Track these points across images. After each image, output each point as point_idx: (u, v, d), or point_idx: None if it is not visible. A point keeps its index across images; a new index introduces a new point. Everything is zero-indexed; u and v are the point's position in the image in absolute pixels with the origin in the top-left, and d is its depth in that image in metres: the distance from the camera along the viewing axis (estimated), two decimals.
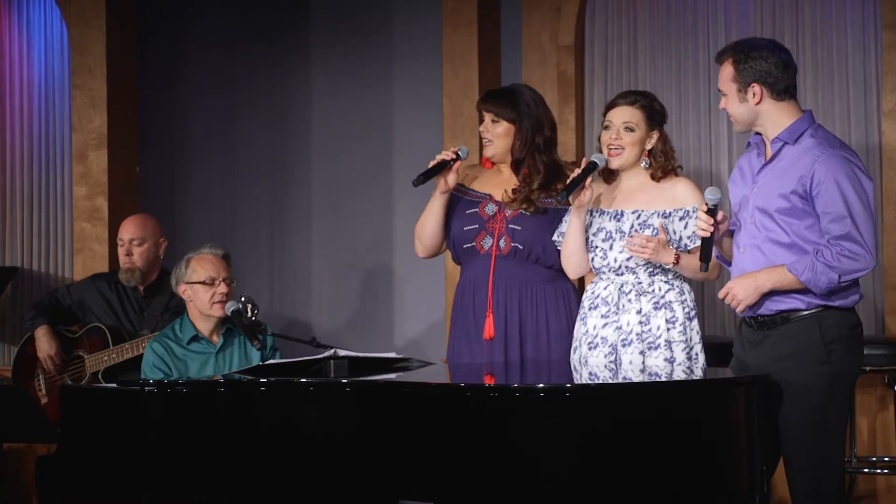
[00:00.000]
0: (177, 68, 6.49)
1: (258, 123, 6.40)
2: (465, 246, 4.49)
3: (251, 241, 6.37)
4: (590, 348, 4.19)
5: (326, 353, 4.25)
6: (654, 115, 4.20)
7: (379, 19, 6.18)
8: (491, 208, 4.47)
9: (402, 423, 3.68)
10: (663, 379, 3.89)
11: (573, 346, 4.29)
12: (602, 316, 4.19)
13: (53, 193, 6.38)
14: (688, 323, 4.15)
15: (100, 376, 5.32)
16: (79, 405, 4.19)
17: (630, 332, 4.14)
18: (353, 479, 3.73)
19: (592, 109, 5.72)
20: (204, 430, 3.91)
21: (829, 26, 5.37)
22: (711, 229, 3.84)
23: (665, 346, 4.12)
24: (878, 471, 5.21)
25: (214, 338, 4.88)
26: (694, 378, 3.95)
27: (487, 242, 4.45)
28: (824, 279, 3.71)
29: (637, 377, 3.95)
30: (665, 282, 4.16)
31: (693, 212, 4.10)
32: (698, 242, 4.11)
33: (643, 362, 4.10)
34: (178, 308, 5.20)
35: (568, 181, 4.16)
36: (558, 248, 4.34)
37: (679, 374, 3.98)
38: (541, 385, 3.60)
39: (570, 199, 4.16)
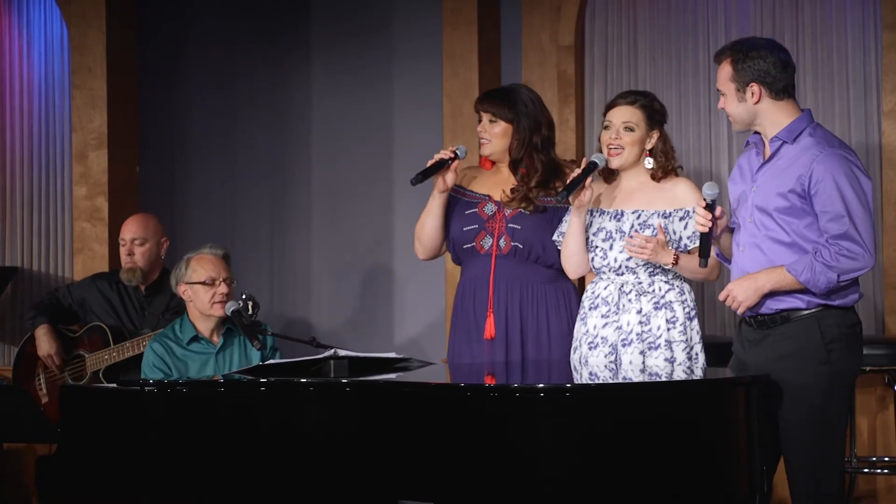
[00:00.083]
0: (177, 68, 6.49)
1: (258, 123, 6.40)
2: (465, 246, 4.49)
3: (251, 241, 6.37)
4: (590, 348, 4.19)
5: (326, 353, 4.24)
6: (654, 115, 4.20)
7: (379, 19, 6.18)
8: (490, 208, 4.47)
9: (402, 423, 3.68)
10: (663, 379, 3.89)
11: (573, 345, 4.29)
12: (602, 316, 4.19)
13: (53, 193, 6.38)
14: (688, 323, 4.15)
15: (100, 375, 5.32)
16: (79, 405, 4.19)
17: (630, 332, 4.14)
18: (353, 480, 3.73)
19: (592, 109, 5.72)
20: (204, 430, 3.91)
21: (829, 26, 5.37)
22: (710, 224, 3.84)
23: (665, 346, 4.12)
24: (878, 471, 5.21)
25: (214, 338, 4.88)
26: (694, 378, 3.95)
27: (487, 242, 4.45)
28: (823, 279, 3.71)
29: (637, 377, 3.95)
30: (665, 282, 4.16)
31: (693, 212, 4.10)
32: (699, 243, 4.11)
33: (643, 362, 4.10)
34: (178, 308, 5.20)
35: (568, 181, 4.16)
36: (558, 247, 4.34)
37: (679, 374, 3.98)
38: (541, 385, 3.60)
39: (571, 198, 4.16)
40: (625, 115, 4.19)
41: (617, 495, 3.50)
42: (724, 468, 3.61)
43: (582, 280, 4.63)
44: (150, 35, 6.44)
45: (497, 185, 4.49)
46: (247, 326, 4.66)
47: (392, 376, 4.06)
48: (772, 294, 3.80)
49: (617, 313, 4.17)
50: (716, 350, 4.26)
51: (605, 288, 4.21)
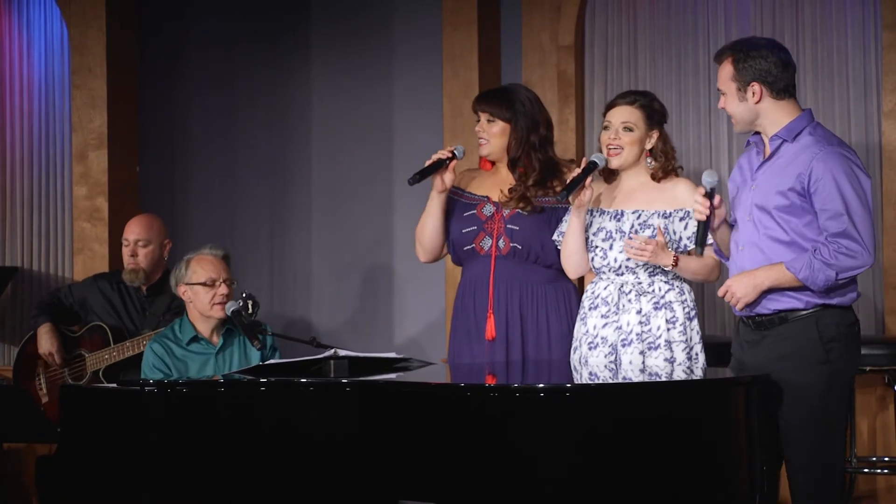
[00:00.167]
0: (177, 68, 6.49)
1: (258, 123, 6.40)
2: (464, 248, 4.49)
3: (251, 241, 6.37)
4: (590, 348, 4.19)
5: (326, 353, 4.24)
6: (654, 115, 4.20)
7: (379, 19, 6.18)
8: (489, 209, 4.47)
9: (402, 423, 3.68)
10: (663, 379, 3.89)
11: (573, 346, 4.29)
12: (602, 316, 4.19)
13: (53, 193, 6.38)
14: (688, 323, 4.15)
15: (101, 375, 5.32)
16: (79, 405, 4.18)
17: (630, 332, 4.14)
18: (353, 480, 3.73)
19: (592, 109, 5.72)
20: (204, 430, 3.91)
21: (829, 26, 5.37)
22: (707, 212, 3.84)
23: (665, 346, 4.12)
24: (878, 471, 5.21)
25: (214, 338, 4.88)
26: (694, 378, 3.95)
27: (487, 243, 4.45)
28: (822, 277, 3.71)
29: (637, 377, 3.95)
30: (665, 282, 4.16)
31: (693, 212, 4.09)
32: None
33: (643, 362, 4.10)
34: (179, 309, 5.21)
35: (568, 181, 4.16)
36: (558, 247, 4.34)
37: (679, 374, 3.98)
38: (541, 385, 3.60)
39: (570, 198, 4.16)
40: (624, 115, 4.19)
41: (617, 495, 3.50)
42: (724, 468, 3.61)
43: (581, 280, 4.63)
44: (150, 35, 6.44)
45: (496, 185, 4.49)
46: (247, 326, 4.66)
47: (392, 376, 4.06)
48: (770, 292, 3.80)
49: (617, 313, 4.17)
50: (716, 350, 4.26)
51: (605, 288, 4.21)
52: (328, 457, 3.76)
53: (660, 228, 4.12)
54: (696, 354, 4.15)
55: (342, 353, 4.26)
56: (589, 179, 4.16)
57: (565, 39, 5.71)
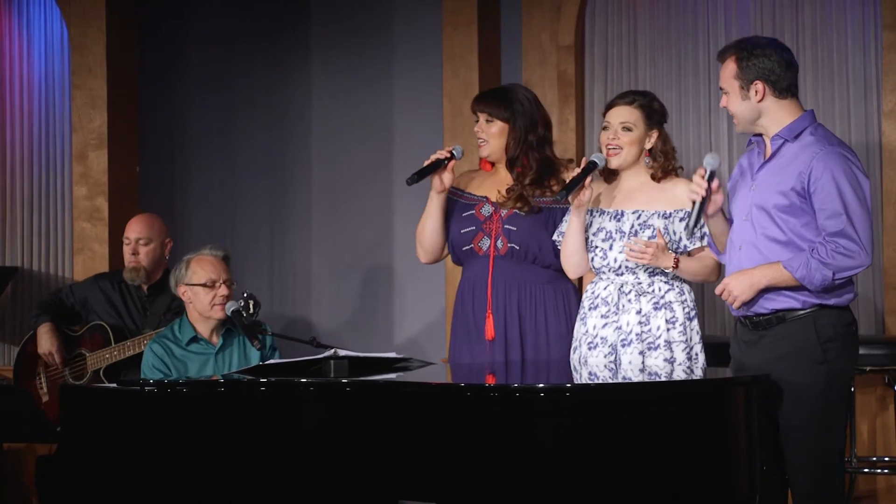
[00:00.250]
0: (177, 68, 6.49)
1: (258, 123, 6.40)
2: (463, 248, 4.49)
3: (251, 241, 6.37)
4: (589, 348, 4.19)
5: (326, 353, 4.24)
6: (653, 115, 4.20)
7: (379, 19, 6.18)
8: (487, 209, 4.47)
9: (402, 423, 3.68)
10: (663, 379, 3.89)
11: (573, 346, 4.29)
12: (602, 316, 4.19)
13: (53, 193, 6.39)
14: (688, 323, 4.15)
15: (101, 374, 5.32)
16: (79, 405, 4.19)
17: (630, 332, 4.14)
18: (354, 480, 3.73)
19: (592, 109, 5.72)
20: (204, 431, 3.91)
21: (829, 26, 5.37)
22: (704, 193, 3.83)
23: (665, 346, 4.11)
24: (878, 471, 5.21)
25: (214, 338, 4.87)
26: (694, 378, 3.95)
27: (485, 244, 4.45)
28: (819, 276, 3.71)
29: (637, 377, 3.95)
30: (665, 282, 4.16)
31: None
32: (698, 244, 4.11)
33: (643, 362, 4.10)
34: (180, 308, 5.20)
35: (568, 180, 4.16)
36: (559, 247, 4.34)
37: (679, 375, 3.98)
38: (541, 385, 3.59)
39: (570, 198, 4.16)
40: (623, 115, 4.19)
41: (617, 495, 3.50)
42: (724, 468, 3.61)
43: (580, 280, 4.63)
44: (150, 35, 6.44)
45: (494, 186, 4.49)
46: (247, 326, 4.66)
47: (392, 376, 4.06)
48: (767, 291, 3.80)
49: (616, 313, 4.17)
50: (716, 350, 4.26)
51: (605, 288, 4.21)
52: (328, 457, 3.76)
53: (659, 231, 4.12)
54: (696, 355, 4.15)
55: (342, 353, 4.26)
56: (588, 179, 4.16)
57: (565, 39, 5.71)
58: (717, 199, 3.89)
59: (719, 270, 4.16)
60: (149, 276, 5.47)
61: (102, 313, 5.47)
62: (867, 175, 3.80)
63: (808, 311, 3.79)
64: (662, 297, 4.15)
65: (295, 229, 6.35)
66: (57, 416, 4.54)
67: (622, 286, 4.18)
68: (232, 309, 4.67)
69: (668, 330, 4.12)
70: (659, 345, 4.11)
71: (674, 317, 4.13)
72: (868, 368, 4.94)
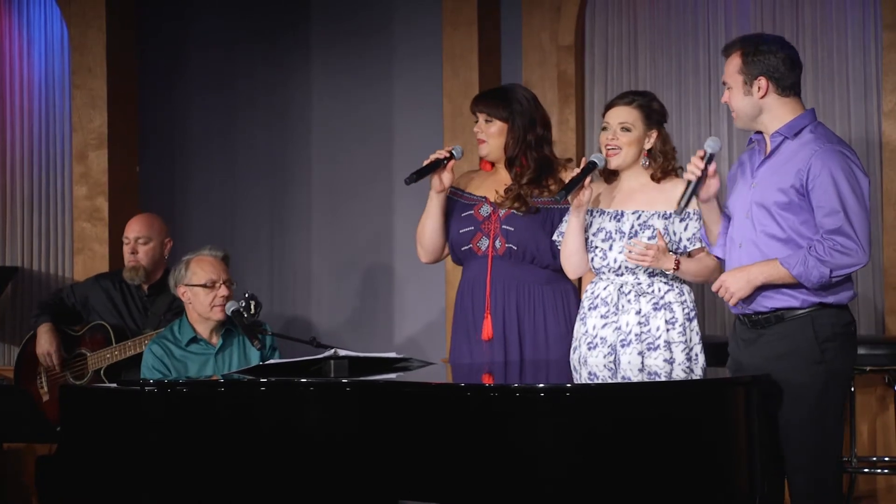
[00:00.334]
0: (177, 68, 6.50)
1: (258, 123, 6.40)
2: (462, 248, 4.49)
3: (251, 241, 6.37)
4: (589, 348, 4.19)
5: (326, 353, 4.24)
6: (652, 115, 4.19)
7: (379, 19, 6.18)
8: (486, 210, 4.48)
9: (402, 423, 3.68)
10: (663, 379, 3.89)
11: (573, 346, 4.29)
12: (601, 316, 4.19)
13: (53, 193, 6.39)
14: (687, 324, 4.15)
15: (102, 374, 5.32)
16: (79, 405, 4.18)
17: (629, 332, 4.14)
18: (353, 480, 3.73)
19: (592, 109, 5.72)
20: (204, 431, 3.91)
21: (829, 26, 5.37)
22: (699, 173, 3.84)
23: (664, 346, 4.11)
24: (878, 471, 5.21)
25: (213, 339, 4.87)
26: (694, 378, 3.94)
27: (484, 244, 4.45)
28: (816, 273, 3.71)
29: (636, 377, 3.95)
30: (665, 282, 4.16)
31: (694, 213, 4.09)
32: (698, 245, 4.11)
33: (642, 363, 4.10)
34: (181, 308, 5.20)
35: (567, 180, 4.16)
36: (559, 247, 4.34)
37: (678, 375, 3.98)
38: (541, 385, 3.59)
39: (570, 198, 4.16)
40: (621, 115, 4.19)
41: (617, 495, 3.50)
42: (724, 468, 3.61)
43: (580, 280, 4.63)
44: (150, 35, 6.44)
45: (494, 186, 4.49)
46: (247, 326, 4.66)
47: (392, 376, 4.06)
48: (766, 290, 3.80)
49: (616, 314, 4.17)
50: (716, 350, 4.25)
51: (605, 288, 4.21)
52: (328, 457, 3.76)
53: (659, 232, 4.11)
54: (696, 355, 4.15)
55: (342, 353, 4.26)
56: (588, 179, 4.16)
57: (565, 39, 5.71)
58: (712, 184, 3.89)
59: (720, 271, 4.16)
60: (148, 275, 5.47)
61: (103, 313, 5.47)
62: (866, 174, 3.80)
63: (806, 310, 3.79)
64: (662, 297, 4.15)
65: (295, 229, 6.35)
66: (57, 416, 4.54)
67: (622, 286, 4.18)
68: (232, 309, 4.67)
69: (667, 330, 4.12)
70: (658, 345, 4.11)
71: (673, 317, 4.13)
72: (868, 368, 4.94)
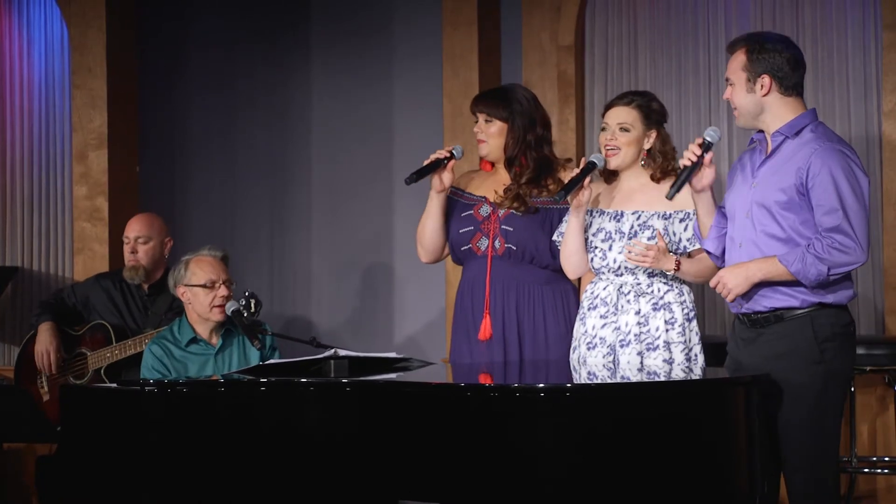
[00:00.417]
0: (177, 68, 6.50)
1: (258, 123, 6.40)
2: (462, 248, 4.50)
3: (251, 241, 6.37)
4: (588, 348, 4.19)
5: (326, 353, 4.24)
6: (651, 115, 4.19)
7: (379, 19, 6.18)
8: (485, 210, 4.48)
9: (402, 423, 3.68)
10: (662, 379, 3.89)
11: (573, 345, 4.29)
12: (601, 316, 4.19)
13: (53, 193, 6.39)
14: (687, 324, 4.15)
15: (102, 373, 5.32)
16: (79, 405, 4.18)
17: (628, 332, 4.14)
18: (353, 480, 3.73)
19: (592, 109, 5.72)
20: (204, 430, 3.91)
21: (829, 26, 5.37)
22: (695, 159, 3.84)
23: (664, 347, 4.11)
24: (878, 471, 5.21)
25: (213, 339, 4.87)
26: (694, 378, 3.94)
27: (483, 244, 4.45)
28: (814, 271, 3.71)
29: (635, 377, 3.95)
30: (664, 283, 4.16)
31: (694, 214, 4.09)
32: (698, 245, 4.11)
33: (641, 363, 4.10)
34: (181, 308, 5.20)
35: (567, 181, 4.16)
36: (558, 248, 4.34)
37: (677, 375, 3.98)
38: (541, 385, 3.59)
39: (569, 198, 4.16)
40: (620, 115, 4.19)
41: (617, 495, 3.50)
42: (724, 468, 3.61)
43: (579, 280, 4.63)
44: (150, 35, 6.44)
45: (493, 186, 4.50)
46: (247, 326, 4.66)
47: (392, 376, 4.06)
48: (766, 289, 3.80)
49: (615, 314, 4.17)
50: (715, 350, 4.25)
51: (605, 288, 4.21)
52: (328, 457, 3.76)
53: (659, 233, 4.11)
54: (696, 356, 4.15)
55: (342, 353, 4.26)
56: (587, 180, 4.16)
57: (565, 39, 5.71)
58: (708, 173, 3.90)
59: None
60: (148, 274, 5.47)
61: (104, 312, 5.47)
62: (866, 173, 3.80)
63: (806, 309, 3.79)
64: (661, 297, 4.15)
65: (295, 229, 6.35)
66: (57, 416, 4.54)
67: (621, 287, 4.18)
68: (232, 309, 4.67)
69: (666, 331, 4.12)
70: (658, 346, 4.11)
71: (673, 318, 4.13)
72: (868, 368, 4.94)
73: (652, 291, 4.15)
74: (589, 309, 4.22)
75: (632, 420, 3.53)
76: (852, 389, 5.01)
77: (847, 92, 5.35)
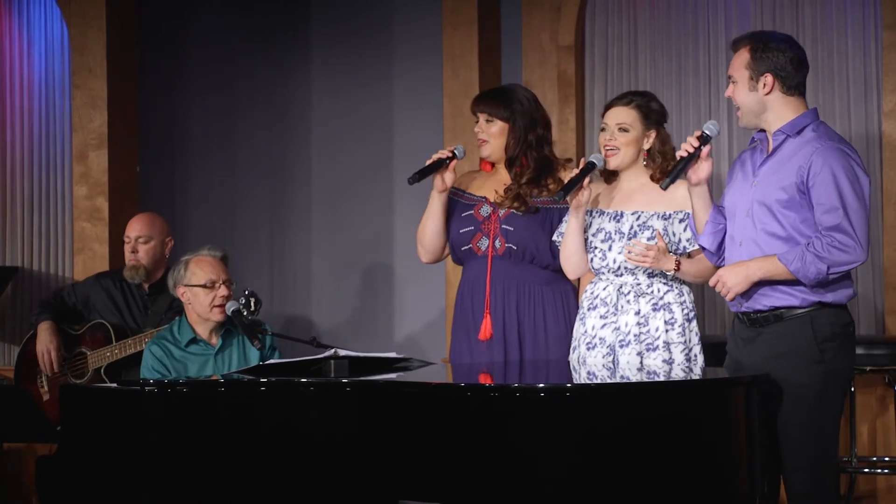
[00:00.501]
0: (177, 68, 6.50)
1: (258, 123, 6.40)
2: (462, 248, 4.50)
3: (251, 241, 6.37)
4: (588, 348, 4.19)
5: (326, 353, 4.24)
6: (651, 115, 4.19)
7: (379, 19, 6.18)
8: (486, 210, 4.48)
9: (402, 422, 3.68)
10: (662, 379, 3.88)
11: (573, 345, 4.29)
12: (601, 316, 4.19)
13: (53, 193, 6.39)
14: (686, 325, 4.15)
15: (102, 373, 5.32)
16: (79, 405, 4.18)
17: (628, 332, 4.13)
18: (353, 480, 3.73)
19: (592, 109, 5.72)
20: (204, 430, 3.91)
21: (829, 26, 5.37)
22: (692, 150, 3.85)
23: (663, 347, 4.11)
24: (878, 471, 5.21)
25: (213, 339, 4.87)
26: (694, 378, 3.94)
27: (484, 244, 4.45)
28: (813, 269, 3.71)
29: (635, 377, 3.94)
30: (664, 283, 4.16)
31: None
32: (698, 245, 4.11)
33: (641, 363, 4.10)
34: (181, 308, 5.20)
35: (566, 181, 4.16)
36: (558, 248, 4.34)
37: (677, 375, 3.98)
38: (541, 385, 3.59)
39: (568, 198, 4.16)
40: (619, 116, 4.19)
41: (617, 495, 3.50)
42: (724, 468, 3.61)
43: (578, 280, 4.63)
44: (150, 35, 6.44)
45: (494, 186, 4.50)
46: (247, 326, 4.66)
47: (392, 376, 4.06)
48: (766, 288, 3.80)
49: (615, 314, 4.17)
50: (715, 350, 4.25)
51: (604, 289, 4.21)
52: (328, 457, 3.76)
53: (659, 233, 4.11)
54: (695, 356, 4.15)
55: (342, 352, 4.26)
56: (587, 180, 4.16)
57: (565, 39, 5.71)
58: (705, 167, 3.90)
59: None
60: (148, 274, 5.47)
61: (104, 312, 5.47)
62: (867, 173, 3.80)
63: (806, 309, 3.79)
64: (661, 298, 4.14)
65: (295, 229, 6.35)
66: (57, 415, 4.55)
67: (621, 287, 4.18)
68: (233, 309, 4.67)
69: (666, 331, 4.12)
70: (657, 346, 4.11)
71: (672, 318, 4.13)
72: (868, 368, 4.94)
73: (652, 292, 4.15)
74: (589, 309, 4.22)
75: (632, 420, 3.53)
76: (852, 389, 5.01)
77: (847, 92, 5.35)
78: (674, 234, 4.15)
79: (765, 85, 3.82)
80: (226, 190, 6.44)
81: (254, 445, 3.83)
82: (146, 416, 3.94)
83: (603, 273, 4.22)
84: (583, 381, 3.91)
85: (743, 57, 3.85)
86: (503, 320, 4.43)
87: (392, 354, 4.42)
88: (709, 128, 3.90)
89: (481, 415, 3.58)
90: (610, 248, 4.19)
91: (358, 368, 4.19)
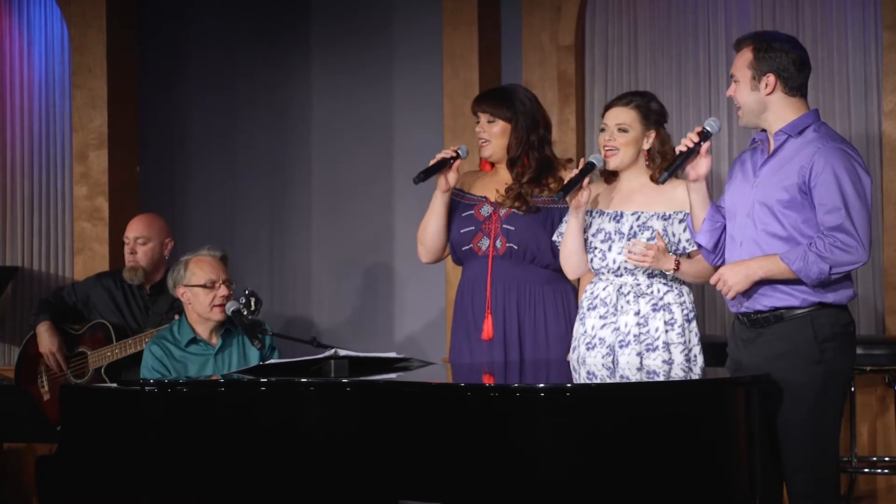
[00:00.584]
0: (177, 68, 6.50)
1: (258, 123, 6.40)
2: (463, 248, 4.50)
3: (251, 241, 6.37)
4: (588, 349, 4.19)
5: (326, 353, 4.24)
6: (650, 115, 4.19)
7: (379, 19, 6.18)
8: (486, 210, 4.48)
9: (402, 423, 3.68)
10: (662, 380, 3.89)
11: (572, 345, 4.29)
12: (601, 317, 4.19)
13: (53, 193, 6.39)
14: (686, 325, 4.15)
15: (102, 373, 5.32)
16: (79, 405, 4.18)
17: (628, 333, 4.13)
18: (353, 480, 3.73)
19: (592, 109, 5.72)
20: (204, 430, 3.91)
21: (829, 26, 5.37)
22: (692, 145, 3.85)
23: (663, 347, 4.11)
24: (878, 471, 5.21)
25: (213, 339, 4.87)
26: (694, 378, 3.94)
27: (484, 244, 4.45)
28: (815, 269, 3.71)
29: (635, 377, 3.94)
30: (664, 283, 4.16)
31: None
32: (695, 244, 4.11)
33: (640, 363, 4.10)
34: (182, 307, 5.20)
35: (566, 181, 4.16)
36: (558, 248, 4.34)
37: (677, 376, 3.98)
38: (541, 385, 3.59)
39: (568, 199, 4.16)
40: (619, 116, 4.19)
41: (617, 495, 3.50)
42: (724, 468, 3.61)
43: (578, 280, 4.63)
44: (150, 35, 6.44)
45: (494, 186, 4.50)
46: (247, 326, 4.66)
47: (392, 376, 4.06)
48: (765, 286, 3.80)
49: (615, 314, 4.17)
50: (715, 350, 4.25)
51: (604, 289, 4.21)
52: (328, 457, 3.76)
53: (658, 233, 4.11)
54: (695, 356, 4.14)
55: (342, 352, 4.26)
56: (587, 180, 4.16)
57: (565, 39, 5.71)
58: (704, 163, 3.90)
59: None
60: (148, 275, 5.47)
61: (105, 311, 5.47)
62: (869, 172, 3.80)
63: (806, 309, 3.79)
64: (661, 298, 4.14)
65: (295, 229, 6.35)
66: (57, 415, 4.55)
67: (621, 287, 4.18)
68: (233, 309, 4.67)
69: (666, 332, 4.12)
70: (657, 346, 4.11)
71: (672, 318, 4.13)
72: (868, 368, 4.94)
73: (651, 292, 4.15)
74: (588, 309, 4.22)
75: (632, 420, 3.53)
76: (852, 389, 5.01)
77: (847, 92, 5.35)
78: (673, 235, 4.15)
79: (767, 85, 3.83)
80: (226, 190, 6.44)
81: (254, 445, 3.83)
82: (146, 416, 3.94)
83: (603, 273, 4.22)
84: (583, 381, 3.91)
85: (746, 56, 3.86)
86: (504, 320, 4.43)
87: (392, 354, 4.42)
88: (710, 124, 3.90)
89: (481, 415, 3.58)
90: (610, 249, 4.19)
91: (358, 368, 4.19)
